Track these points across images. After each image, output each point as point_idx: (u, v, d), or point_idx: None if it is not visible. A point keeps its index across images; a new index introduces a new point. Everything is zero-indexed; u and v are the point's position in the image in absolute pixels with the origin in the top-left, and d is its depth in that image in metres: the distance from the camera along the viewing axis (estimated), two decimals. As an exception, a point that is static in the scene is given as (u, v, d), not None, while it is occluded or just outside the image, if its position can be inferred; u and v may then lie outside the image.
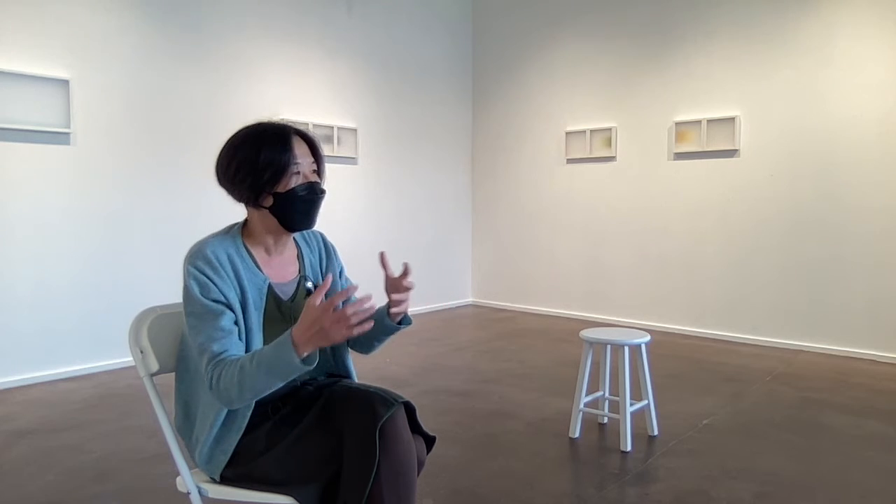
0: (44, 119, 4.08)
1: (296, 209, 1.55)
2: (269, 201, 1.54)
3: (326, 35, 5.70)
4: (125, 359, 4.37)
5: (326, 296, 1.63)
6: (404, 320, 1.67)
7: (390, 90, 6.25)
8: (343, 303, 1.41)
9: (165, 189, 4.67)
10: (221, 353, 1.43)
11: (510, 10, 6.72)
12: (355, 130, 5.92)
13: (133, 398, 3.74)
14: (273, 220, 1.57)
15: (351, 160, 5.91)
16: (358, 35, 5.95)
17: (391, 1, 6.22)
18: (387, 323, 1.65)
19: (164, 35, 4.64)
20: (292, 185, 1.53)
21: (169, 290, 4.56)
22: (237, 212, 1.63)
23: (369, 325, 1.36)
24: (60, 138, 4.17)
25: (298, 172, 1.54)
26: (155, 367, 1.59)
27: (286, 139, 1.54)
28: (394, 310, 1.63)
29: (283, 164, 1.52)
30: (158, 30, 4.61)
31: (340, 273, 1.78)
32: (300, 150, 1.56)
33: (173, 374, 1.64)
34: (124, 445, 3.04)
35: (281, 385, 1.42)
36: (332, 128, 5.70)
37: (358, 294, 1.42)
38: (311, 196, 1.56)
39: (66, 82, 4.15)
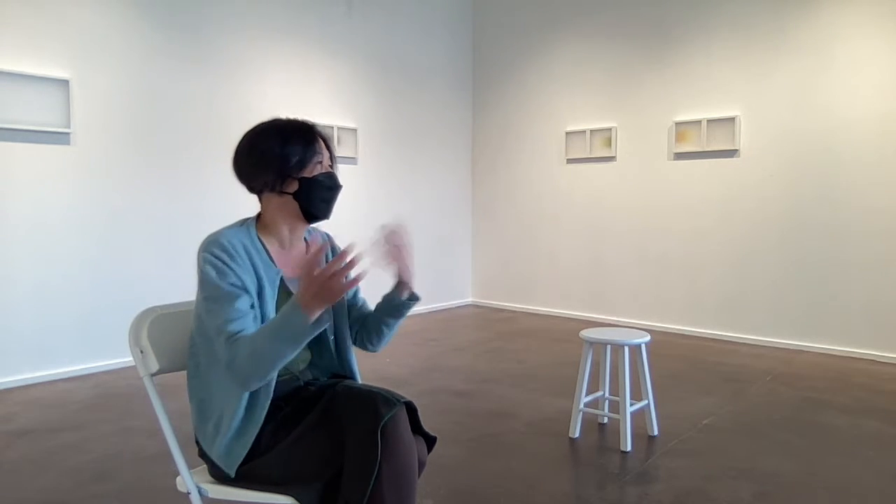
0: (44, 119, 4.08)
1: (319, 195, 1.61)
2: (294, 186, 1.58)
3: (326, 35, 5.70)
4: (125, 359, 4.36)
5: None
6: (412, 297, 1.74)
7: (390, 90, 6.25)
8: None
9: (165, 189, 4.67)
10: (238, 332, 1.43)
11: (510, 11, 6.72)
12: (355, 130, 5.92)
13: (133, 398, 3.74)
14: (294, 207, 1.59)
15: (351, 160, 5.91)
16: (358, 35, 5.95)
17: (391, 1, 6.22)
18: (395, 301, 1.72)
19: (165, 35, 4.64)
20: (316, 173, 1.60)
21: (169, 289, 4.58)
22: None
23: (360, 279, 1.39)
24: (60, 138, 4.17)
25: (321, 163, 1.61)
26: (155, 367, 1.59)
27: (312, 132, 1.63)
28: (399, 276, 1.70)
29: (310, 154, 1.59)
30: (158, 30, 4.61)
31: None
32: (320, 145, 1.63)
33: (173, 374, 1.64)
34: (124, 445, 3.04)
35: (294, 353, 1.40)
36: (332, 128, 5.70)
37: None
38: (333, 184, 1.64)
39: (66, 82, 4.15)
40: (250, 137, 1.61)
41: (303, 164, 1.58)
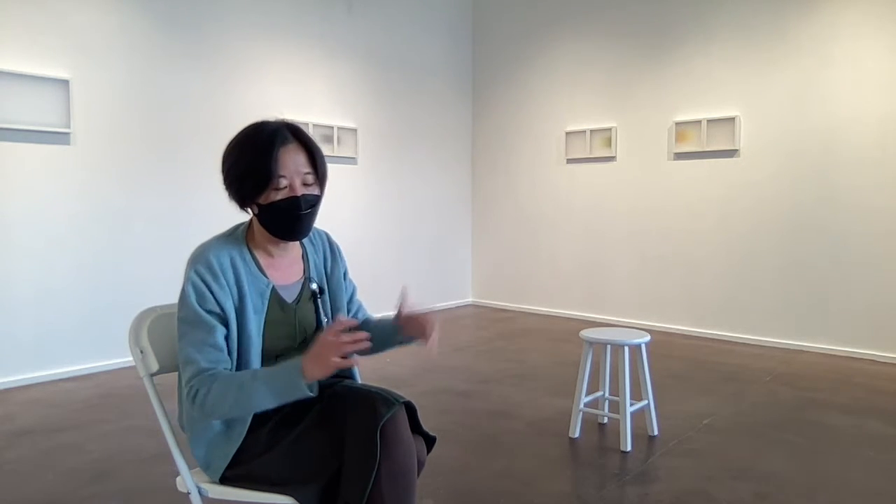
0: (44, 119, 4.08)
1: (278, 222, 1.53)
2: (255, 209, 1.53)
3: (326, 35, 5.70)
4: (125, 359, 4.36)
5: (326, 297, 1.69)
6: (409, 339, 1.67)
7: (390, 90, 6.25)
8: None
9: (165, 189, 4.67)
10: (209, 368, 1.43)
11: (510, 10, 6.72)
12: (355, 130, 5.92)
13: (133, 398, 3.74)
14: (262, 227, 1.56)
15: (351, 160, 5.91)
16: (358, 35, 5.95)
17: (391, 1, 6.22)
18: (394, 339, 1.67)
19: (165, 35, 4.64)
20: (272, 199, 1.49)
21: (169, 290, 4.55)
22: (238, 212, 1.63)
23: (355, 362, 1.36)
24: (60, 138, 4.17)
25: (284, 187, 1.49)
26: (155, 367, 1.59)
27: (270, 148, 1.47)
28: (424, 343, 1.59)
29: (264, 176, 1.47)
30: (158, 29, 4.61)
31: (345, 275, 1.77)
32: (289, 158, 1.49)
33: (173, 373, 1.64)
34: (124, 445, 3.04)
35: (268, 407, 1.40)
36: (332, 128, 5.70)
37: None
38: (294, 210, 1.50)
39: (66, 82, 4.15)
40: (225, 151, 1.54)
41: (258, 188, 1.48)
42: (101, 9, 4.33)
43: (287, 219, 1.52)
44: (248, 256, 1.57)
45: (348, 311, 1.75)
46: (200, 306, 1.45)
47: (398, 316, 1.61)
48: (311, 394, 1.38)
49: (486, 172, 7.03)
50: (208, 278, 1.47)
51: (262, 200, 1.50)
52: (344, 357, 1.34)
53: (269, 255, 1.61)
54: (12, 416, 3.48)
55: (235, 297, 1.50)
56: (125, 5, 4.44)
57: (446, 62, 6.80)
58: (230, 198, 1.56)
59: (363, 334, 1.35)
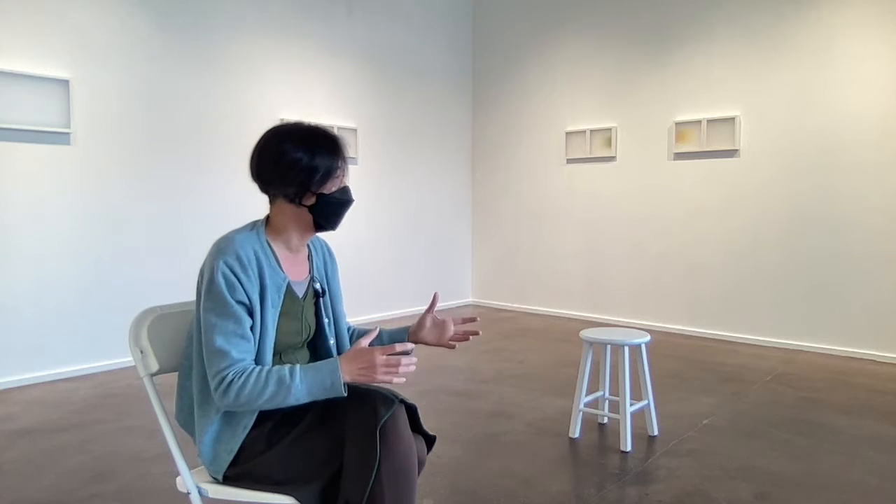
0: (44, 119, 4.08)
1: (334, 211, 1.60)
2: (312, 200, 1.57)
3: (327, 35, 5.70)
4: (125, 359, 4.37)
5: (327, 292, 1.73)
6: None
7: (390, 90, 6.25)
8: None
9: (165, 189, 4.67)
10: (241, 360, 1.44)
11: (510, 10, 6.72)
12: (355, 130, 5.92)
13: (133, 398, 3.74)
14: (308, 219, 1.59)
15: (351, 160, 5.91)
16: (358, 35, 5.95)
17: (391, 1, 6.22)
18: (398, 338, 1.80)
19: (165, 34, 4.64)
20: (332, 189, 1.59)
21: (169, 290, 4.58)
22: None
23: (403, 379, 1.46)
24: (60, 138, 4.17)
25: (339, 178, 1.61)
26: (155, 367, 1.59)
27: (337, 146, 1.60)
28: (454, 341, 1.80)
29: (333, 168, 1.58)
30: (159, 29, 4.61)
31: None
32: (342, 160, 1.62)
33: (173, 374, 1.64)
34: (124, 445, 3.04)
35: (299, 402, 1.45)
36: (332, 128, 5.69)
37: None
38: (348, 201, 1.63)
39: (66, 82, 4.15)
40: (277, 143, 1.56)
41: (325, 180, 1.57)
42: (101, 9, 4.33)
43: (342, 208, 1.62)
44: (269, 251, 1.58)
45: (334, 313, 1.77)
46: (231, 296, 1.46)
47: (422, 320, 1.77)
48: (345, 394, 1.44)
49: (486, 172, 7.03)
50: (237, 269, 1.48)
51: (326, 190, 1.57)
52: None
53: (288, 250, 1.63)
54: (12, 416, 3.48)
55: (258, 289, 1.52)
56: (125, 5, 4.44)
57: (446, 62, 6.80)
58: (283, 189, 1.55)
59: (413, 360, 1.45)
